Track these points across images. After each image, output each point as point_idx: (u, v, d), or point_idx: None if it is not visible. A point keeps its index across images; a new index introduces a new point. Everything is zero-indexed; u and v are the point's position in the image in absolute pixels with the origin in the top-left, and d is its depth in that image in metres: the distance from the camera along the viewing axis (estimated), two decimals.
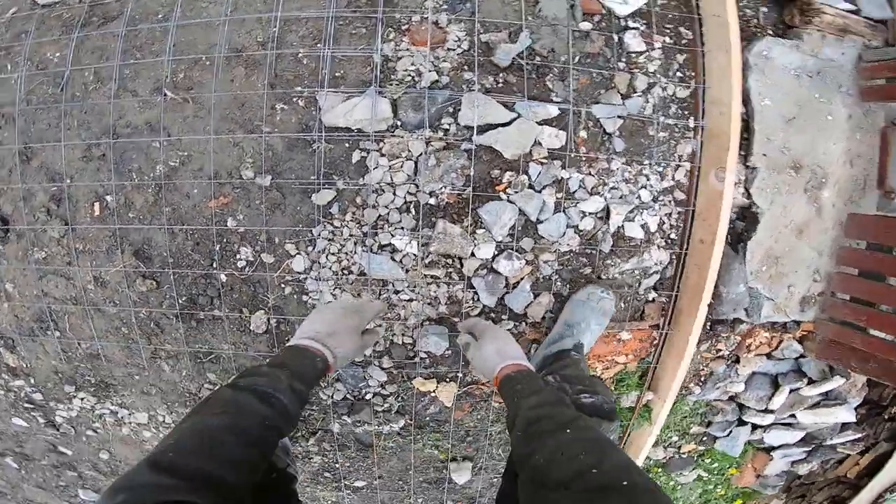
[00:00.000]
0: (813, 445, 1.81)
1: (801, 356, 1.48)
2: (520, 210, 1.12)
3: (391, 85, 1.12)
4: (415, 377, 1.34)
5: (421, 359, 1.31)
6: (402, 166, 1.12)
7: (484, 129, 1.11)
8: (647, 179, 1.17)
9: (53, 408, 1.55)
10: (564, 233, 1.15)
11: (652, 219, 1.19)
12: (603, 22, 1.18)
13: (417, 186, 1.13)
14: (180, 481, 0.47)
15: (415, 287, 1.20)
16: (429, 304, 1.24)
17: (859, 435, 1.78)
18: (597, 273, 1.21)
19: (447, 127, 1.12)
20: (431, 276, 1.19)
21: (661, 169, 1.17)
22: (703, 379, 1.50)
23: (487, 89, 1.12)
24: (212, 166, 1.17)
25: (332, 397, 1.36)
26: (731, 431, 1.66)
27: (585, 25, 1.16)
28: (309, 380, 0.69)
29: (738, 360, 1.46)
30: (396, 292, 1.22)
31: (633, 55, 1.18)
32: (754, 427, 1.67)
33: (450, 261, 1.19)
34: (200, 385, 1.42)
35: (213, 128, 1.16)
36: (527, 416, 0.64)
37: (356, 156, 1.14)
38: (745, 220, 1.24)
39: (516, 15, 1.15)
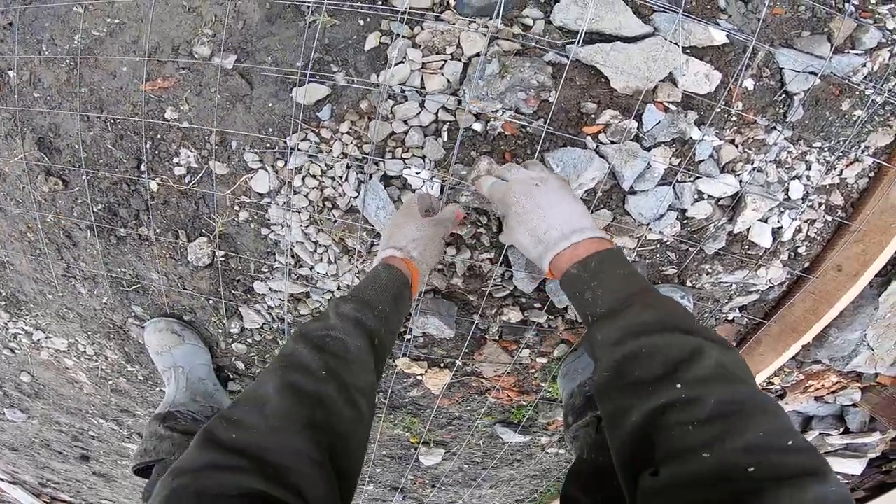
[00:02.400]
0: None
1: (853, 405, 1.25)
2: (611, 169, 0.75)
3: None
4: (401, 356, 1.05)
5: (414, 336, 1.01)
6: (442, 67, 0.72)
7: (591, 38, 0.70)
8: (807, 168, 0.80)
9: None
10: (662, 215, 0.79)
11: (790, 223, 0.84)
12: None
13: (460, 101, 0.74)
14: (241, 459, 0.41)
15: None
16: (439, 270, 0.91)
17: (846, 481, 1.67)
18: (682, 277, 0.89)
19: (529, 22, 0.71)
20: (452, 234, 0.85)
21: (831, 158, 0.80)
22: None
23: None
24: (148, 39, 0.78)
25: None
26: None
27: None
28: (385, 300, 0.61)
29: (782, 397, 1.23)
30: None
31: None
32: None
33: (483, 219, 0.83)
34: (125, 318, 1.10)
35: None
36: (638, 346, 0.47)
37: (372, 41, 0.73)
38: None
39: None
